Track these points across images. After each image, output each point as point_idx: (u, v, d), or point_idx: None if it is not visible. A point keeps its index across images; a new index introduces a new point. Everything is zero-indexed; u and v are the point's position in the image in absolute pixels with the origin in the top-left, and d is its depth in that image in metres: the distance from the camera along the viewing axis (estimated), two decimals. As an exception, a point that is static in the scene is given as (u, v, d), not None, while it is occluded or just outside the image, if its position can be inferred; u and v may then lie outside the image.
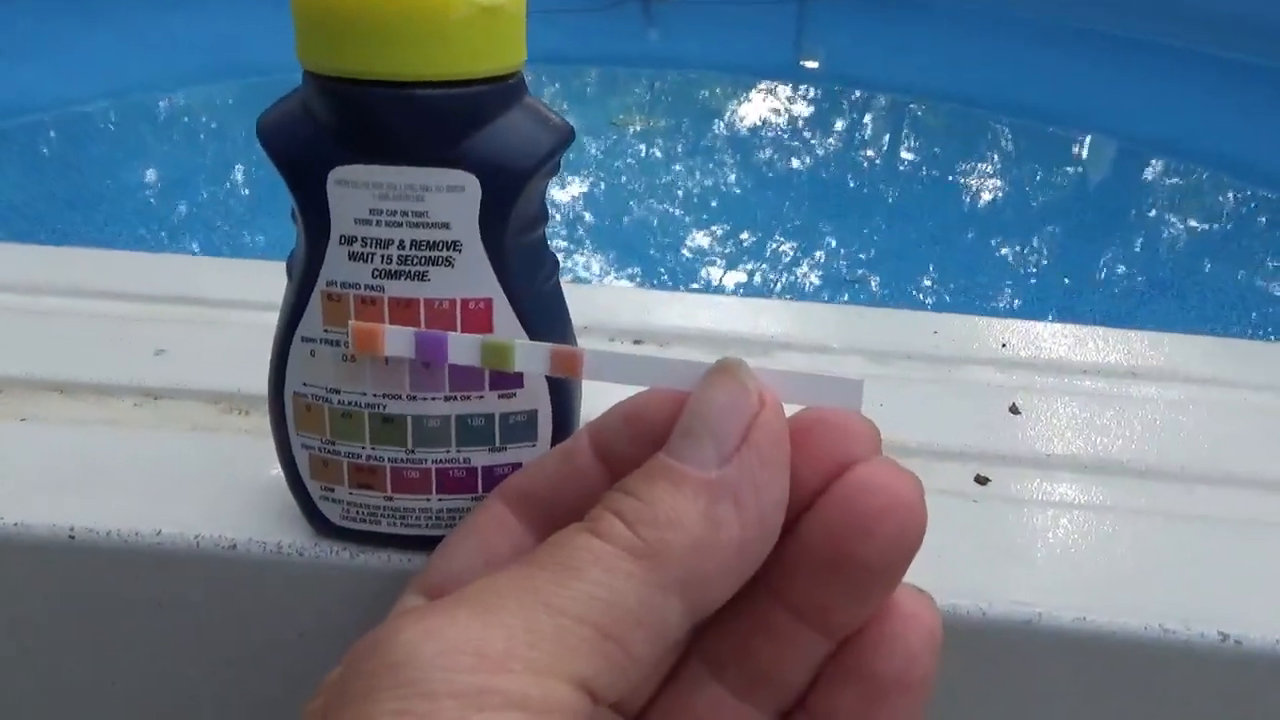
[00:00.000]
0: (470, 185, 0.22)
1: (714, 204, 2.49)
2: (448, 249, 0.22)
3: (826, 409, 0.20)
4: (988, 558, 0.26)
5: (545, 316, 0.24)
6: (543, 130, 0.23)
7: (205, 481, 0.27)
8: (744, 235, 2.33)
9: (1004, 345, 0.38)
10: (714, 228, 2.37)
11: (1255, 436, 0.33)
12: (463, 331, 0.23)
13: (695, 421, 0.19)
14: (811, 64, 3.33)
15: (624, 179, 2.60)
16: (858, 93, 3.22)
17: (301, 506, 0.26)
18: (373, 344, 0.23)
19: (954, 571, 0.26)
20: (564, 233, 2.25)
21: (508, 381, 0.24)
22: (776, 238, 2.33)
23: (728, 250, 2.26)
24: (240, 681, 0.27)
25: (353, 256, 0.22)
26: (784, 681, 0.21)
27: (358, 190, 0.22)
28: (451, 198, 0.22)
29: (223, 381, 0.32)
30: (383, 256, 0.22)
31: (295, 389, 0.24)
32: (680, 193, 2.52)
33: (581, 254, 2.19)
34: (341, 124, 0.22)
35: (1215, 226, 2.45)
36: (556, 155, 0.23)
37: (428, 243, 0.22)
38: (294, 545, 0.25)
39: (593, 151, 2.72)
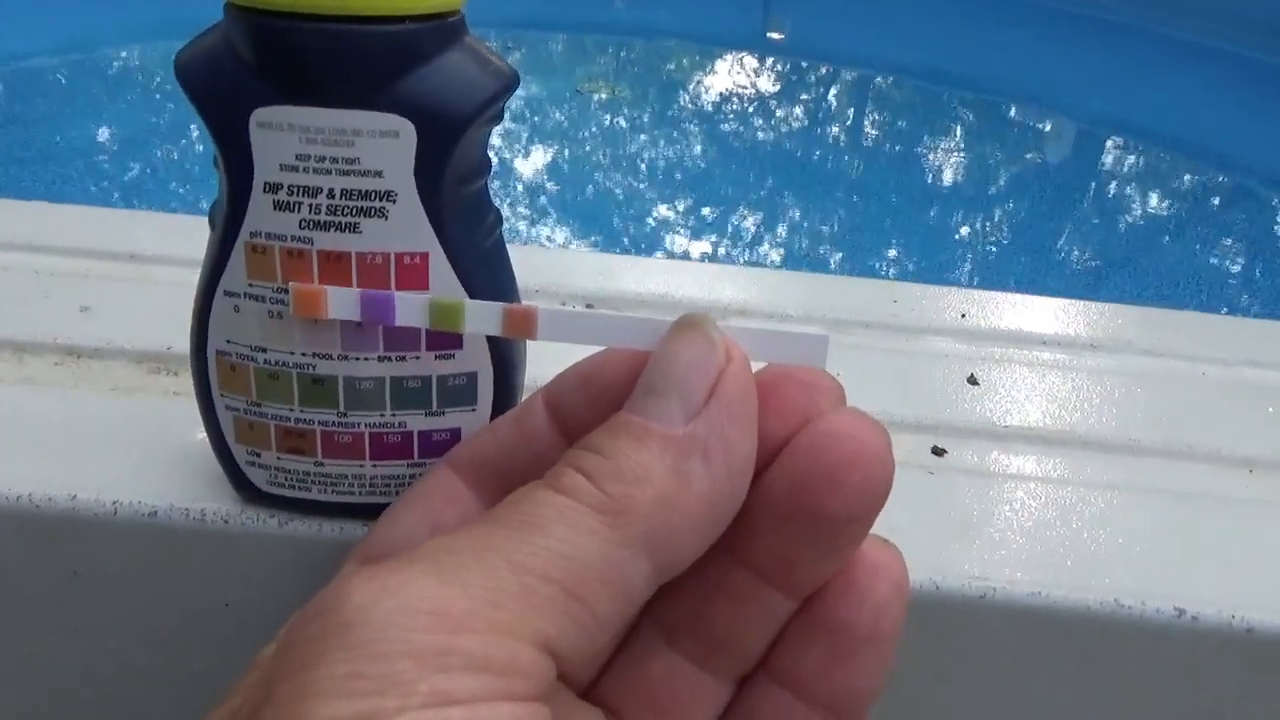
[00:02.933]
0: (405, 131, 0.21)
1: (678, 175, 2.48)
2: (381, 199, 0.21)
3: (791, 365, 0.20)
4: (942, 531, 0.26)
5: (486, 273, 0.23)
6: (484, 74, 0.21)
7: (126, 445, 0.26)
8: (707, 207, 2.32)
9: (963, 316, 0.37)
10: (678, 199, 2.35)
11: (1213, 410, 0.32)
12: (398, 288, 0.22)
13: (660, 378, 0.18)
14: (777, 36, 3.31)
15: (588, 148, 2.57)
16: (824, 66, 3.21)
17: (227, 472, 0.24)
18: (314, 306, 0.21)
19: (908, 544, 0.25)
20: (526, 201, 2.23)
21: (445, 342, 0.23)
22: (740, 209, 2.32)
23: (691, 222, 2.25)
24: (162, 656, 0.26)
25: (278, 206, 0.21)
26: (743, 645, 0.20)
27: (282, 134, 0.20)
28: (384, 144, 0.21)
29: (150, 340, 0.30)
30: (310, 206, 0.21)
31: (218, 347, 0.23)
32: (644, 163, 2.51)
33: (544, 224, 2.17)
34: (264, 61, 0.20)
35: (1171, 206, 2.48)
36: (499, 101, 0.22)
37: (359, 192, 0.21)
38: (219, 512, 0.24)
39: (557, 118, 2.68)
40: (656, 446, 0.18)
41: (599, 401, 0.20)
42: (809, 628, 0.19)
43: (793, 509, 0.18)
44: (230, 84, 0.20)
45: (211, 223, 0.22)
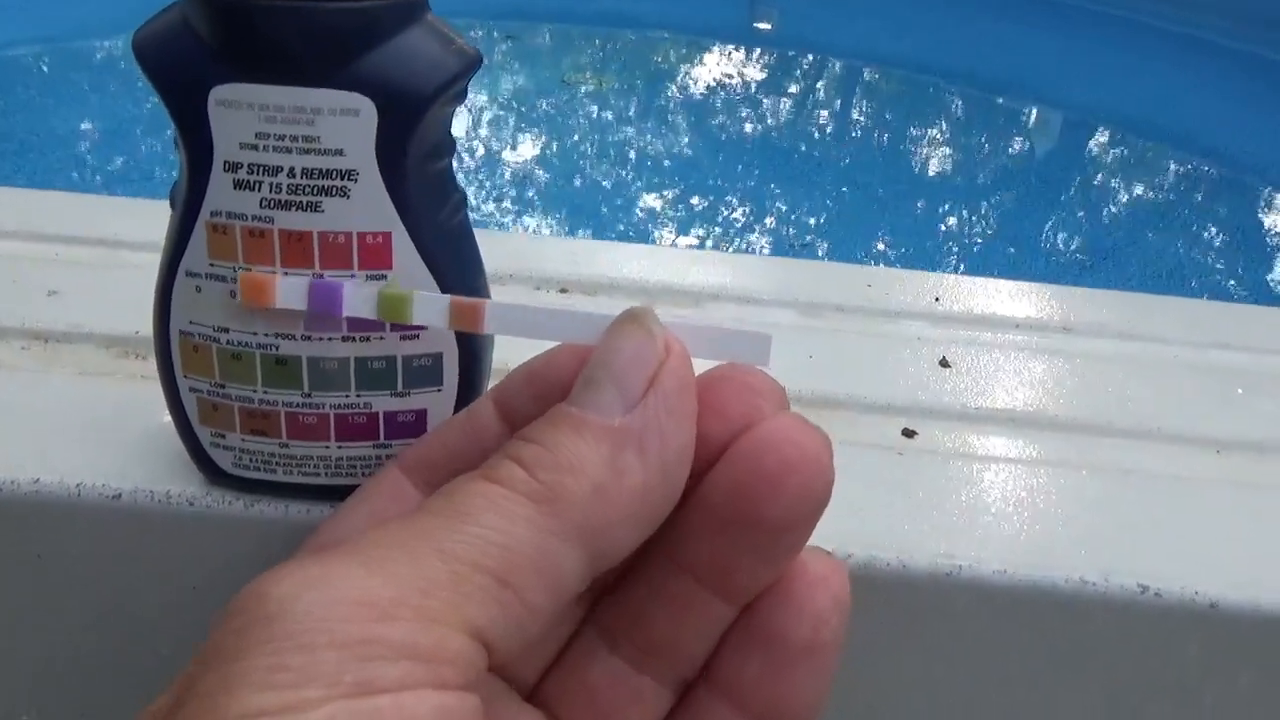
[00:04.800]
0: (365, 109, 0.20)
1: (666, 165, 2.47)
2: (342, 178, 0.21)
3: (733, 366, 0.20)
4: (910, 511, 0.26)
5: (450, 253, 0.23)
6: (446, 53, 0.21)
7: (91, 428, 0.26)
8: (695, 197, 2.31)
9: (937, 299, 0.37)
10: (665, 190, 2.35)
11: (1183, 392, 0.32)
12: (361, 268, 0.22)
13: (599, 370, 0.19)
14: (765, 26, 3.30)
15: (575, 138, 2.57)
16: (811, 56, 3.20)
17: (191, 453, 0.24)
18: (262, 295, 0.21)
19: (875, 524, 0.25)
20: (513, 193, 2.22)
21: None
22: (728, 200, 2.32)
23: (679, 213, 2.24)
24: (127, 640, 0.25)
25: (238, 185, 0.21)
26: (683, 651, 0.20)
27: (241, 112, 0.20)
28: (345, 122, 0.20)
29: (118, 325, 0.30)
30: (271, 185, 0.21)
31: (181, 328, 0.23)
32: (632, 153, 2.50)
33: (531, 214, 2.16)
34: (222, 39, 0.20)
35: (1157, 197, 2.49)
36: (461, 81, 0.22)
37: (320, 170, 0.21)
38: (184, 494, 0.24)
39: (544, 109, 2.68)
40: (592, 437, 0.18)
41: (544, 399, 0.20)
42: (747, 638, 0.19)
43: (731, 514, 0.18)
44: (188, 62, 0.20)
45: (172, 203, 0.22)
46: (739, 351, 0.20)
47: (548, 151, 2.46)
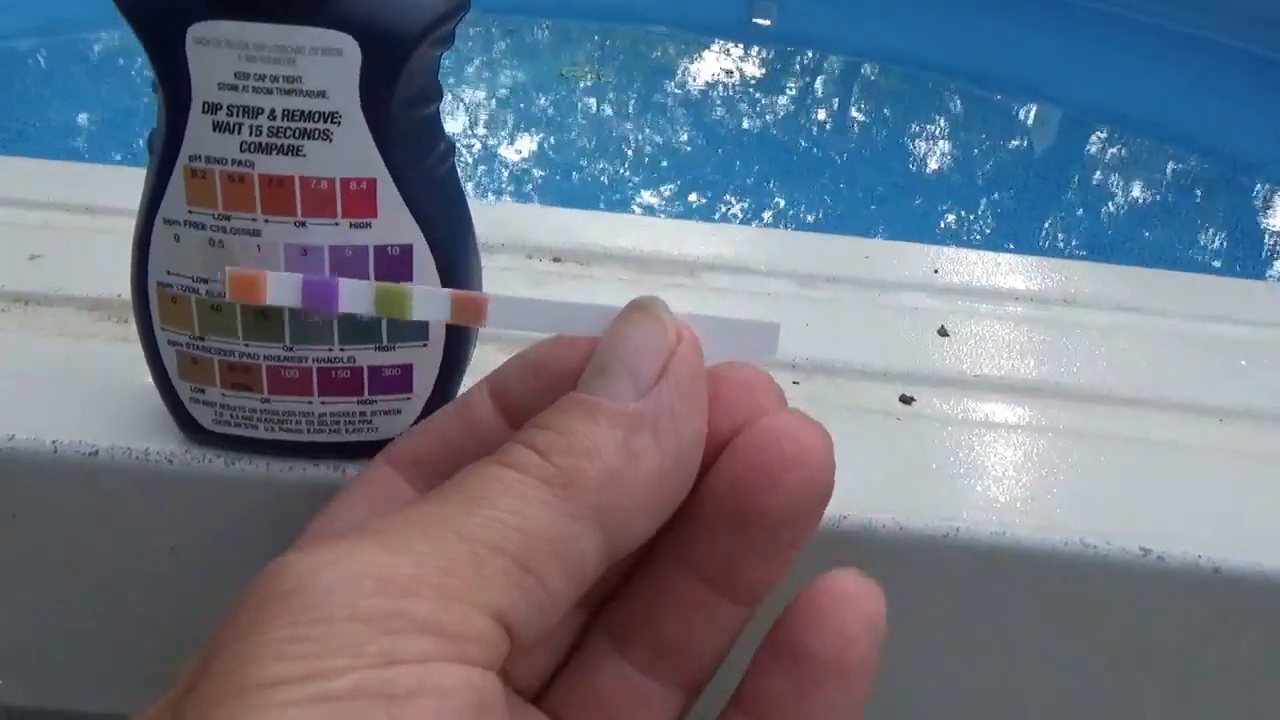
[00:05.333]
0: (349, 49, 0.20)
1: (664, 161, 2.47)
2: (325, 120, 0.20)
3: (730, 365, 0.19)
4: (908, 474, 0.25)
5: (437, 201, 0.22)
6: (433, -7, 0.21)
7: (70, 388, 0.25)
8: (693, 193, 2.31)
9: (936, 271, 0.36)
10: (663, 185, 2.34)
11: (1185, 362, 0.32)
12: (344, 215, 0.21)
13: (610, 359, 0.18)
14: (764, 22, 3.30)
15: (574, 134, 2.56)
16: (810, 53, 3.20)
17: (171, 410, 0.23)
18: (251, 292, 0.20)
19: (872, 487, 0.25)
20: (511, 189, 2.21)
21: (395, 272, 0.22)
22: (726, 197, 2.31)
23: (677, 208, 2.24)
24: (105, 600, 0.25)
25: (217, 127, 0.20)
26: (691, 654, 0.19)
27: (220, 50, 0.20)
28: (327, 62, 0.20)
29: (100, 288, 0.29)
30: (251, 128, 0.20)
31: (159, 278, 0.22)
32: (630, 149, 2.49)
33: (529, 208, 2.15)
34: (201, -28, 0.19)
35: (1156, 195, 2.49)
36: (448, 22, 0.21)
37: (302, 112, 0.20)
38: (163, 452, 0.23)
39: (542, 104, 2.67)
40: (606, 422, 0.18)
41: (550, 390, 0.19)
42: (774, 654, 0.19)
43: (732, 509, 0.18)
44: (166, -2, 0.20)
45: (150, 149, 0.22)
46: (747, 340, 0.20)
47: (545, 146, 2.46)
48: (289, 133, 0.20)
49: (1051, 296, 0.36)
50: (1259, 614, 0.23)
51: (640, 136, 2.58)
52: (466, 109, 2.45)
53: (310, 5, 0.19)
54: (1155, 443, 0.27)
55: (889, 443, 0.26)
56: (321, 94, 0.20)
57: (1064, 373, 0.30)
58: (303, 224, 0.21)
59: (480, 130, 2.42)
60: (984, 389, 0.30)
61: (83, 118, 2.18)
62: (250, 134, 0.20)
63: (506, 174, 2.26)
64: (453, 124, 2.33)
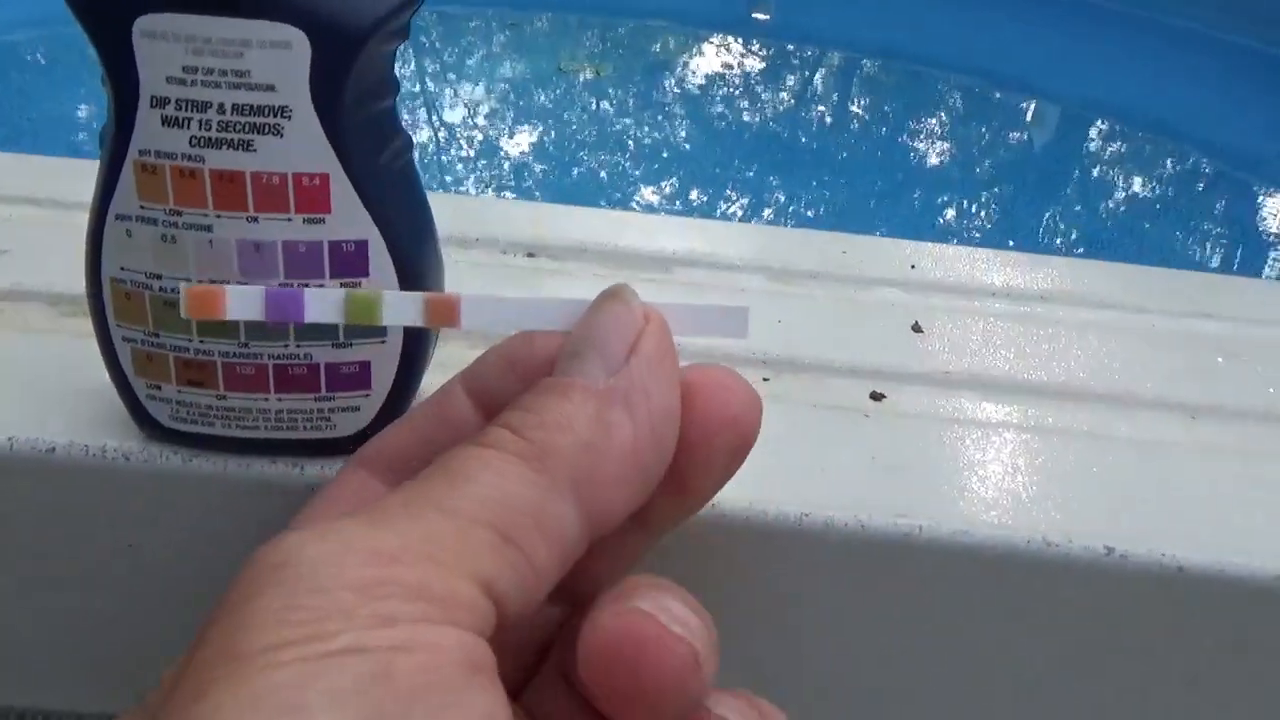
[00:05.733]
0: (297, 42, 0.20)
1: (664, 155, 2.46)
2: (275, 115, 0.20)
3: (707, 371, 0.20)
4: (873, 472, 0.25)
5: (393, 197, 0.22)
6: (385, -15, 0.21)
7: (29, 384, 0.25)
8: (693, 189, 2.30)
9: (913, 267, 0.36)
10: (663, 180, 2.34)
11: (1159, 359, 0.32)
12: (297, 211, 0.21)
13: (581, 343, 0.19)
14: (763, 17, 3.29)
15: (573, 128, 2.55)
16: (810, 49, 3.19)
17: (128, 407, 0.23)
18: (211, 307, 0.20)
19: (836, 485, 0.24)
20: (513, 183, 2.21)
21: (352, 268, 0.22)
22: (725, 192, 2.31)
23: (676, 205, 2.23)
24: (63, 598, 0.25)
25: (166, 121, 0.20)
26: None
27: (168, 44, 0.19)
28: (276, 56, 0.20)
29: (66, 284, 0.29)
30: (201, 122, 0.20)
31: (112, 274, 0.22)
32: (630, 143, 2.49)
33: (530, 201, 2.15)
34: (146, -36, 0.19)
35: (1155, 191, 2.48)
36: (400, 16, 0.21)
37: (251, 107, 0.20)
38: (120, 449, 0.23)
39: (540, 99, 2.66)
40: (579, 399, 0.18)
41: (528, 383, 0.19)
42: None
43: (694, 440, 0.19)
44: (112, -10, 0.19)
45: (101, 143, 0.21)
46: (717, 325, 0.21)
47: (544, 140, 2.45)
48: (239, 127, 0.20)
49: (1030, 292, 0.35)
50: (1223, 614, 0.23)
51: (639, 131, 2.57)
52: (465, 103, 2.44)
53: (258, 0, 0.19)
54: (1123, 440, 0.27)
55: (855, 440, 0.26)
56: (271, 88, 0.20)
57: (1035, 369, 0.30)
58: (255, 219, 0.21)
59: (480, 123, 2.42)
60: (955, 386, 0.29)
61: (82, 112, 2.17)
62: (200, 128, 0.20)
63: (507, 168, 2.25)
64: (448, 117, 2.32)
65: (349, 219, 0.21)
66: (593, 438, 0.18)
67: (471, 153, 2.21)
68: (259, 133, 0.20)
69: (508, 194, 2.13)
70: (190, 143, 0.20)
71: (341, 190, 0.21)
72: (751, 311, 0.20)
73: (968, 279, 0.36)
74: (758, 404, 0.20)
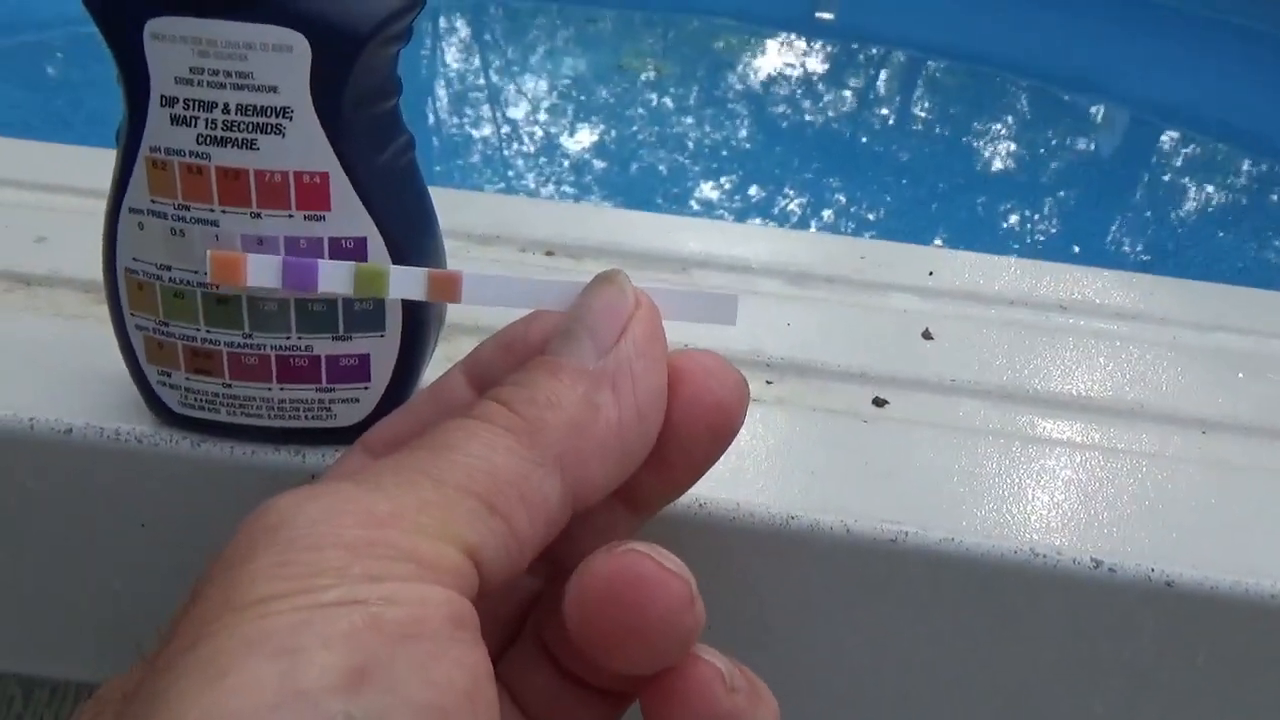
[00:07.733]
0: (298, 46, 0.20)
1: (724, 154, 2.45)
2: (277, 115, 0.21)
3: (695, 355, 0.20)
4: (866, 477, 0.25)
5: (392, 195, 0.22)
6: (386, -10, 0.21)
7: (54, 367, 0.26)
8: (753, 187, 2.29)
9: (931, 273, 0.36)
10: (722, 178, 2.33)
11: (1175, 372, 0.31)
12: (298, 208, 0.22)
13: (573, 324, 0.20)
14: (826, 16, 3.26)
15: (633, 126, 2.56)
16: (874, 48, 3.16)
17: (141, 392, 0.24)
18: (233, 274, 0.21)
19: (826, 489, 0.24)
20: (572, 179, 2.22)
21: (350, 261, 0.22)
22: (786, 191, 2.29)
23: (735, 203, 2.23)
24: (78, 575, 0.26)
25: (175, 120, 0.21)
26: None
27: (176, 46, 0.20)
28: (278, 58, 0.20)
29: (97, 270, 0.30)
30: (207, 121, 0.21)
31: (126, 265, 0.23)
32: (690, 141, 2.49)
33: (589, 199, 2.16)
34: (156, -30, 0.20)
35: (1226, 198, 2.41)
36: (401, 20, 0.21)
37: (255, 107, 0.21)
38: (133, 432, 0.24)
39: (601, 95, 2.67)
40: (569, 379, 0.19)
41: (523, 364, 0.20)
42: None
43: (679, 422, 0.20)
44: (125, -6, 0.20)
45: (117, 140, 0.22)
46: (707, 312, 0.21)
47: (605, 138, 2.46)
48: (243, 126, 0.21)
49: (1047, 301, 0.35)
50: (1212, 630, 0.23)
51: (700, 130, 2.57)
52: (529, 98, 2.46)
53: (261, 4, 0.20)
54: (1124, 453, 0.27)
55: (851, 445, 0.26)
56: (273, 89, 0.21)
57: (1043, 380, 0.30)
58: (258, 215, 0.22)
59: (540, 118, 2.43)
60: (959, 393, 0.29)
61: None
62: (206, 127, 0.21)
63: (568, 164, 2.27)
64: (510, 113, 2.34)
65: (348, 216, 0.22)
66: (580, 417, 0.18)
67: (532, 148, 2.22)
68: (262, 132, 0.21)
69: (567, 188, 2.15)
70: (197, 140, 0.21)
71: (341, 189, 0.22)
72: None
73: (985, 287, 0.36)
74: (742, 390, 0.20)
